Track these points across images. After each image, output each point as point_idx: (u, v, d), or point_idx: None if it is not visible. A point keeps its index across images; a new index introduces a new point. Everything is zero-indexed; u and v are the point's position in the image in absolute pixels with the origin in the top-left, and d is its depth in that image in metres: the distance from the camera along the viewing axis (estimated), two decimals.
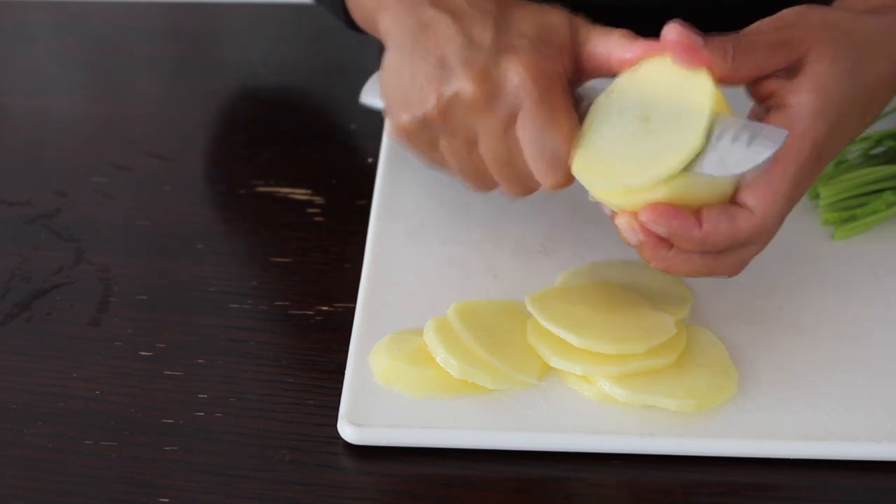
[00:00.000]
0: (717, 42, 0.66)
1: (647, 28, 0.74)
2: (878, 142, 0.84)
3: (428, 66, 0.71)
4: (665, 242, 0.67)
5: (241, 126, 0.96)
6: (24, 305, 0.77)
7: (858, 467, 0.66)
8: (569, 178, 0.69)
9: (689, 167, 0.64)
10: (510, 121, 0.70)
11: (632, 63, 0.69)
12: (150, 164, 0.90)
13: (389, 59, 0.74)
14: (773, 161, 0.66)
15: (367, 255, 0.78)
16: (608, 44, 0.70)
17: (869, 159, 0.83)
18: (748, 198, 0.66)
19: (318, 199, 0.86)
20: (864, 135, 0.84)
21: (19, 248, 0.81)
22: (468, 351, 0.69)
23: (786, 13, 0.69)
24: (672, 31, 0.66)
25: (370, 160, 0.89)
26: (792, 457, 0.66)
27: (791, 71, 0.68)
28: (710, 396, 0.67)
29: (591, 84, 0.72)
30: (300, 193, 0.86)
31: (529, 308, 0.70)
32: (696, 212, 0.66)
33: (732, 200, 0.67)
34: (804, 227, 0.80)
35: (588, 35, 0.71)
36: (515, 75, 0.69)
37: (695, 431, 0.66)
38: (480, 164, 0.72)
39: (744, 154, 0.64)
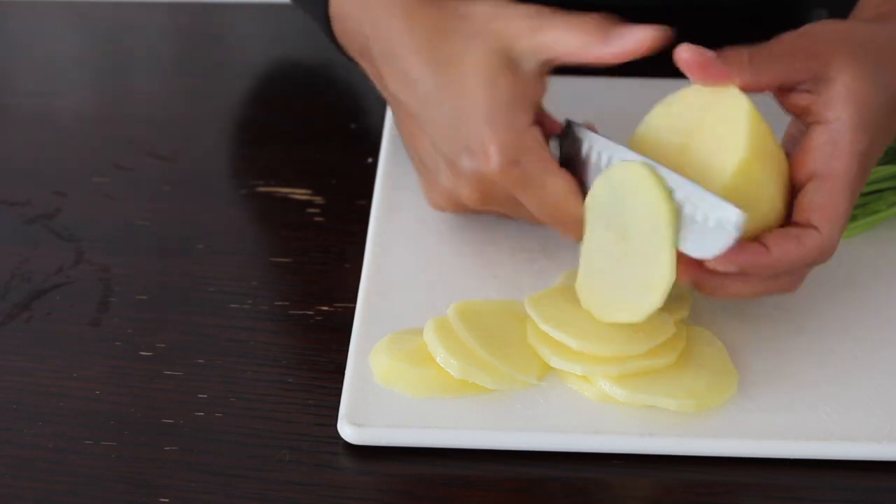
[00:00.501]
0: (732, 54, 0.66)
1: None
2: None
3: (419, 161, 0.76)
4: (722, 275, 0.67)
5: (241, 126, 0.96)
6: (24, 305, 0.77)
7: (858, 467, 0.66)
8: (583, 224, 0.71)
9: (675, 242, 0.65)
10: (516, 199, 0.72)
11: (608, 60, 0.69)
12: (150, 164, 0.90)
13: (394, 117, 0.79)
14: (826, 177, 0.67)
15: (367, 255, 0.78)
16: (570, 46, 0.69)
17: None
18: (812, 217, 0.67)
19: (318, 199, 0.86)
20: None
21: (19, 248, 0.81)
22: (468, 351, 0.69)
23: (807, 27, 0.69)
24: (684, 50, 0.66)
25: (370, 160, 0.89)
26: (792, 457, 0.66)
27: (818, 83, 0.68)
28: (710, 396, 0.67)
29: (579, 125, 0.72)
30: (300, 193, 0.86)
31: (528, 310, 0.70)
32: (756, 238, 0.66)
33: (793, 222, 0.67)
34: None
35: (547, 32, 0.70)
36: (494, 177, 0.70)
37: (695, 431, 0.66)
38: (531, 216, 0.74)
39: (714, 235, 0.64)
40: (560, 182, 0.70)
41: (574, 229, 0.71)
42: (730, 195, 0.64)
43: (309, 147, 0.91)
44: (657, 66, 0.72)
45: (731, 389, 0.68)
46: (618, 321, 0.68)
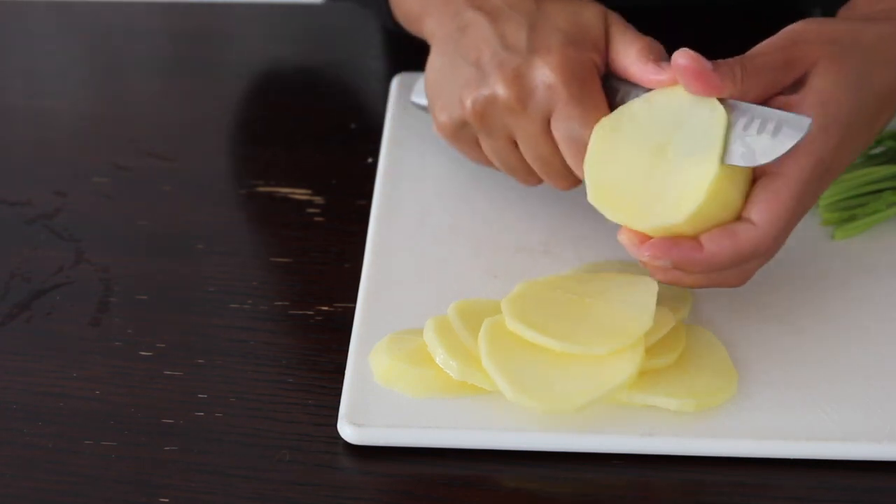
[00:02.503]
0: (726, 67, 0.67)
1: (647, 28, 0.74)
2: (879, 142, 0.84)
3: (465, 69, 0.74)
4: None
5: (241, 126, 0.96)
6: (24, 305, 0.77)
7: (858, 467, 0.66)
8: None
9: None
10: (545, 120, 0.72)
11: (641, 83, 0.71)
12: (150, 164, 0.90)
13: (432, 60, 0.77)
14: (776, 175, 0.67)
15: (367, 255, 0.78)
16: (627, 56, 0.71)
17: (869, 159, 0.83)
18: (752, 212, 0.67)
19: (318, 199, 0.86)
20: None
21: (19, 248, 0.81)
22: (468, 351, 0.69)
23: (789, 31, 0.69)
24: (682, 56, 0.66)
25: (370, 160, 0.89)
26: (792, 457, 0.66)
27: (796, 85, 0.68)
28: (710, 396, 0.67)
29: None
30: (300, 193, 0.86)
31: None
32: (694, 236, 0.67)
33: (738, 217, 0.67)
34: (804, 227, 0.80)
35: (616, 36, 0.72)
36: (547, 75, 0.71)
37: (695, 431, 0.66)
38: (523, 161, 0.75)
39: (769, 144, 0.65)
40: (604, 113, 0.71)
41: (569, 178, 0.73)
42: (699, 206, 0.65)
43: (309, 147, 0.91)
44: None
45: (731, 389, 0.68)
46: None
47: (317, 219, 0.84)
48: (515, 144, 0.75)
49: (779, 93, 0.68)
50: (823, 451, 0.66)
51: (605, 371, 0.66)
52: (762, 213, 0.66)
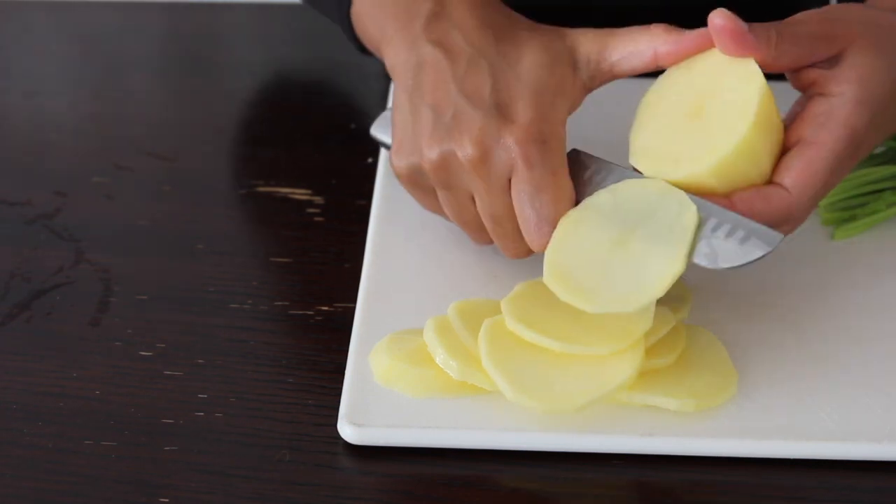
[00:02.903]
0: (762, 29, 0.67)
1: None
2: None
3: (425, 112, 0.71)
4: None
5: (241, 126, 0.96)
6: (24, 305, 0.77)
7: (858, 467, 0.66)
8: (545, 247, 0.69)
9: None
10: (505, 180, 0.70)
11: (680, 54, 0.70)
12: (150, 164, 0.90)
13: (395, 96, 0.74)
14: (811, 144, 0.67)
15: (367, 255, 0.78)
16: (651, 40, 0.70)
17: (869, 159, 0.83)
18: (785, 177, 0.67)
19: (318, 199, 0.86)
20: None
21: (19, 248, 0.81)
22: (468, 351, 0.69)
23: (830, 8, 0.70)
24: (719, 16, 0.66)
25: (370, 160, 0.89)
26: (792, 457, 0.66)
27: (832, 62, 0.68)
28: (710, 396, 0.67)
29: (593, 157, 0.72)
30: (300, 193, 0.86)
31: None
32: (729, 194, 0.67)
33: (768, 181, 0.68)
34: (804, 226, 0.79)
35: (611, 45, 0.71)
36: (510, 142, 0.68)
37: (695, 431, 0.66)
38: (477, 217, 0.73)
39: (736, 250, 0.65)
40: (567, 182, 0.69)
41: (542, 232, 0.69)
42: (729, 163, 0.66)
43: (309, 147, 0.91)
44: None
45: (731, 389, 0.68)
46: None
47: (317, 219, 0.84)
48: (472, 200, 0.72)
49: (812, 65, 0.69)
50: (823, 451, 0.66)
51: (605, 371, 0.66)
52: (797, 180, 0.67)
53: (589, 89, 0.72)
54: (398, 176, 0.74)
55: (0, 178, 0.89)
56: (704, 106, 0.68)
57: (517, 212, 0.70)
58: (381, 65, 0.99)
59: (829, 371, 0.70)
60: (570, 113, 0.71)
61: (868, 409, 0.68)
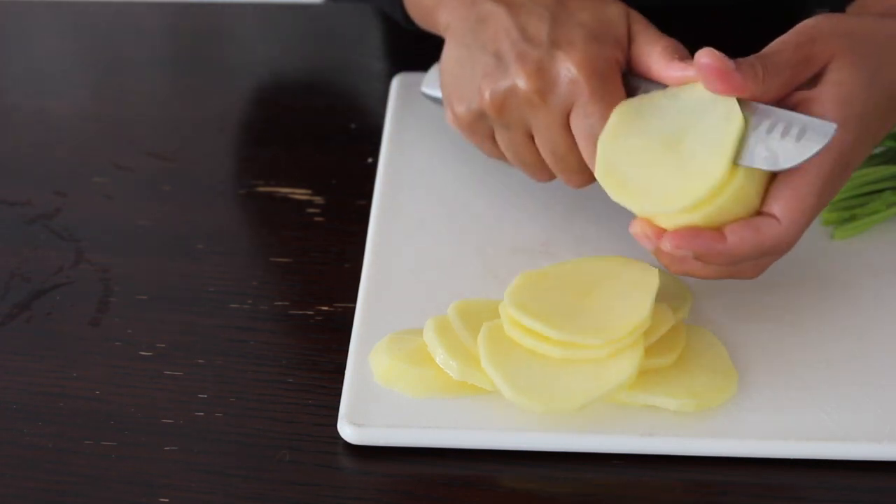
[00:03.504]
0: (747, 65, 0.67)
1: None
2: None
3: (485, 60, 0.73)
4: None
5: (241, 126, 0.96)
6: (24, 305, 0.77)
7: (858, 467, 0.66)
8: None
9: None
10: (565, 114, 0.71)
11: (666, 80, 0.71)
12: (150, 164, 0.90)
13: (448, 51, 0.76)
14: (797, 171, 0.66)
15: (367, 255, 0.78)
16: (651, 54, 0.71)
17: (869, 159, 0.83)
18: (774, 207, 0.67)
19: (318, 199, 0.86)
20: None
21: (19, 248, 0.81)
22: (468, 351, 0.69)
23: (804, 26, 0.69)
24: (705, 55, 0.66)
25: (370, 160, 0.89)
26: (792, 457, 0.66)
27: (813, 81, 0.68)
28: (710, 396, 0.67)
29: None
30: (300, 193, 0.86)
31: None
32: (719, 227, 0.67)
33: (758, 212, 0.68)
34: None
35: (638, 35, 0.72)
36: (569, 70, 0.70)
37: (695, 431, 0.66)
38: (537, 155, 0.75)
39: (793, 148, 0.65)
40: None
41: (584, 175, 0.72)
42: (714, 202, 0.66)
43: (309, 147, 0.91)
44: None
45: (731, 389, 0.68)
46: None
47: (317, 219, 0.84)
48: (532, 138, 0.74)
49: (797, 89, 0.69)
50: (823, 451, 0.66)
51: (605, 371, 0.66)
52: (785, 209, 0.67)
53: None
54: (458, 124, 0.76)
55: (0, 178, 0.89)
56: (684, 140, 0.67)
57: (580, 144, 0.71)
58: (382, 65, 1.00)
59: (829, 371, 0.70)
60: (621, 69, 0.72)
61: (868, 409, 0.68)
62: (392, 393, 0.69)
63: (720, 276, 0.69)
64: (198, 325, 0.75)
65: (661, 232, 0.67)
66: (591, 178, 0.74)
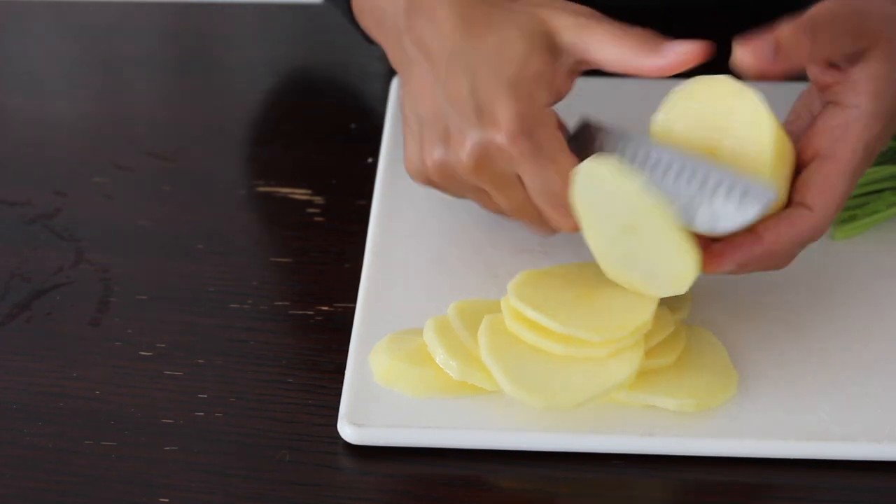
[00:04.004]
0: (788, 39, 0.65)
1: (649, 27, 0.74)
2: None
3: (422, 126, 0.72)
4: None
5: (241, 126, 0.96)
6: (24, 305, 0.77)
7: (858, 467, 0.66)
8: (573, 226, 0.70)
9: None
10: (515, 178, 0.70)
11: (662, 73, 0.68)
12: (150, 164, 0.90)
13: (401, 101, 0.75)
14: (828, 159, 0.67)
15: (367, 255, 0.78)
16: (621, 52, 0.68)
17: None
18: (807, 196, 0.67)
19: (318, 199, 0.86)
20: None
21: (19, 248, 0.81)
22: (468, 351, 0.69)
23: (856, 3, 0.68)
24: (745, 54, 0.65)
25: (370, 160, 0.89)
26: (792, 457, 0.66)
27: (850, 61, 0.68)
28: (710, 396, 0.67)
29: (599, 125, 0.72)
30: (300, 193, 0.86)
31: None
32: (753, 227, 0.67)
33: (790, 200, 0.68)
34: None
35: (593, 42, 0.69)
36: (501, 144, 0.68)
37: (695, 431, 0.66)
38: (499, 208, 0.73)
39: (734, 211, 0.65)
40: (570, 161, 0.69)
41: (564, 216, 0.70)
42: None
43: (309, 147, 0.91)
44: None
45: (731, 389, 0.68)
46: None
47: (317, 219, 0.84)
48: (487, 195, 0.73)
49: (832, 62, 0.68)
50: (823, 451, 0.66)
51: (605, 369, 0.66)
52: (818, 197, 0.67)
53: (576, 73, 0.71)
54: (420, 183, 0.75)
55: (0, 178, 0.89)
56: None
57: (533, 199, 0.70)
58: (382, 65, 1.00)
59: (829, 371, 0.70)
60: (556, 99, 0.71)
61: (868, 409, 0.68)
62: (392, 393, 0.69)
63: (754, 270, 0.69)
64: (198, 325, 0.75)
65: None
66: (554, 229, 0.73)
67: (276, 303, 0.77)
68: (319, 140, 0.92)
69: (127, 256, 0.81)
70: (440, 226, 0.80)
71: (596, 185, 0.66)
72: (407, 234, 0.80)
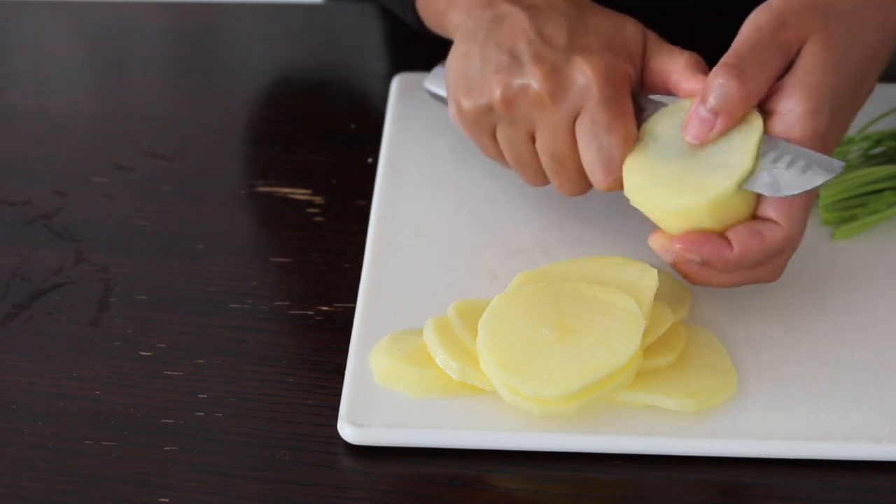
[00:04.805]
0: (725, 102, 0.68)
1: (648, 27, 0.74)
2: (878, 142, 0.84)
3: (498, 56, 0.73)
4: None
5: (241, 126, 0.95)
6: (24, 305, 0.77)
7: (858, 467, 0.66)
8: (619, 182, 0.71)
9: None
10: (571, 118, 0.72)
11: (688, 93, 0.71)
12: (150, 164, 0.90)
13: (458, 47, 0.76)
14: None
15: (367, 255, 0.78)
16: (672, 66, 0.72)
17: (869, 159, 0.83)
18: (769, 211, 0.68)
19: (318, 199, 0.86)
20: (864, 134, 0.84)
21: (19, 248, 0.81)
22: (468, 351, 0.69)
23: (770, 11, 0.69)
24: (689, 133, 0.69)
25: (370, 160, 0.89)
26: (792, 457, 0.66)
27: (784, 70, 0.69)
28: (710, 396, 0.67)
29: (655, 97, 0.73)
30: (300, 193, 0.86)
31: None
32: (722, 233, 0.68)
33: (755, 216, 0.69)
34: None
35: (656, 51, 0.73)
36: (583, 75, 0.71)
37: (695, 431, 0.66)
38: (535, 157, 0.75)
39: (797, 179, 0.66)
40: (633, 125, 0.71)
41: (607, 173, 0.71)
42: (725, 199, 0.67)
43: (309, 147, 0.91)
44: None
45: (731, 389, 0.68)
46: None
47: (317, 219, 0.84)
48: (533, 139, 0.74)
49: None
50: (823, 451, 0.66)
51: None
52: (780, 209, 0.68)
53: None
54: (462, 118, 0.76)
55: (0, 178, 0.89)
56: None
57: (583, 150, 0.72)
58: (382, 64, 1.00)
59: (829, 371, 0.70)
60: (634, 82, 0.73)
61: (868, 409, 0.68)
62: (392, 393, 0.69)
63: (740, 282, 0.70)
64: (198, 325, 0.75)
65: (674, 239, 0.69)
66: (583, 188, 0.75)
67: (276, 303, 0.77)
68: (319, 140, 0.92)
69: (127, 256, 0.81)
70: (440, 226, 0.80)
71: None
72: (407, 234, 0.80)
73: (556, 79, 0.71)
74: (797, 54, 0.68)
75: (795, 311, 0.74)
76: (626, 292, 0.69)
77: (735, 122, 0.68)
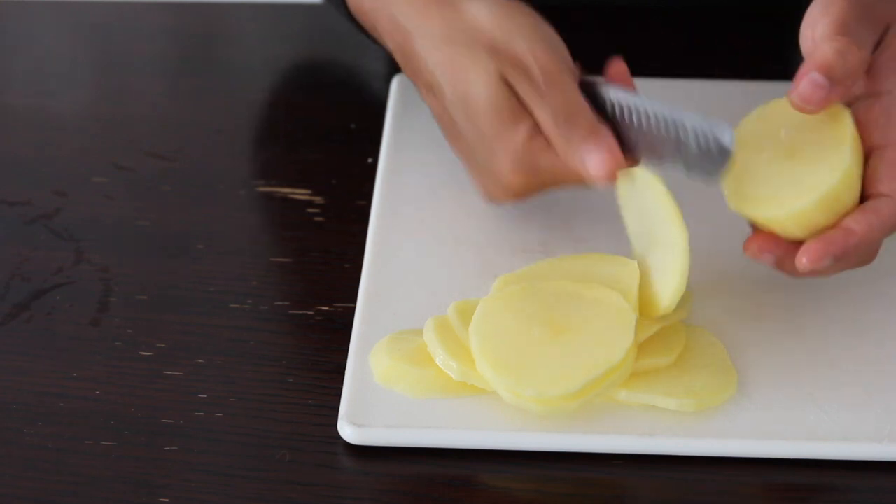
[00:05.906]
0: (834, 51, 0.67)
1: (647, 27, 0.74)
2: None
3: (470, 165, 0.77)
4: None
5: (241, 126, 0.96)
6: (24, 305, 0.77)
7: (858, 467, 0.66)
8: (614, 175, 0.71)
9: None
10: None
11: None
12: (150, 164, 0.90)
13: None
14: (885, 146, 0.68)
15: (367, 255, 0.78)
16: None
17: None
18: (880, 186, 0.68)
19: (318, 199, 0.86)
20: None
21: (19, 248, 0.81)
22: (468, 351, 0.69)
23: None
24: (804, 95, 0.67)
25: (370, 160, 0.89)
26: (792, 457, 0.66)
27: (878, 46, 0.69)
28: (710, 396, 0.67)
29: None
30: (300, 193, 0.86)
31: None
32: (834, 224, 0.67)
33: (864, 195, 0.68)
34: None
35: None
36: (536, 71, 0.71)
37: (695, 431, 0.67)
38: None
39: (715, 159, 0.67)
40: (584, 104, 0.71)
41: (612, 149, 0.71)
42: (831, 199, 0.67)
43: (309, 147, 0.91)
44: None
45: (731, 389, 0.68)
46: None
47: (317, 219, 0.84)
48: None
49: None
50: (823, 451, 0.66)
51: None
52: (892, 183, 0.67)
53: None
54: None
55: (0, 178, 0.89)
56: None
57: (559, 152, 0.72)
58: (382, 64, 1.00)
59: (829, 371, 0.70)
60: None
61: (868, 409, 0.68)
62: (392, 393, 0.69)
63: (843, 269, 0.69)
64: (198, 325, 0.75)
65: (779, 243, 0.68)
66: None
67: (276, 303, 0.77)
68: (319, 140, 0.92)
69: (127, 256, 0.81)
70: (440, 226, 0.80)
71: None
72: (407, 234, 0.80)
73: (521, 164, 0.73)
74: (883, 35, 0.68)
75: (795, 310, 0.74)
76: (611, 287, 0.69)
77: (849, 90, 0.67)
